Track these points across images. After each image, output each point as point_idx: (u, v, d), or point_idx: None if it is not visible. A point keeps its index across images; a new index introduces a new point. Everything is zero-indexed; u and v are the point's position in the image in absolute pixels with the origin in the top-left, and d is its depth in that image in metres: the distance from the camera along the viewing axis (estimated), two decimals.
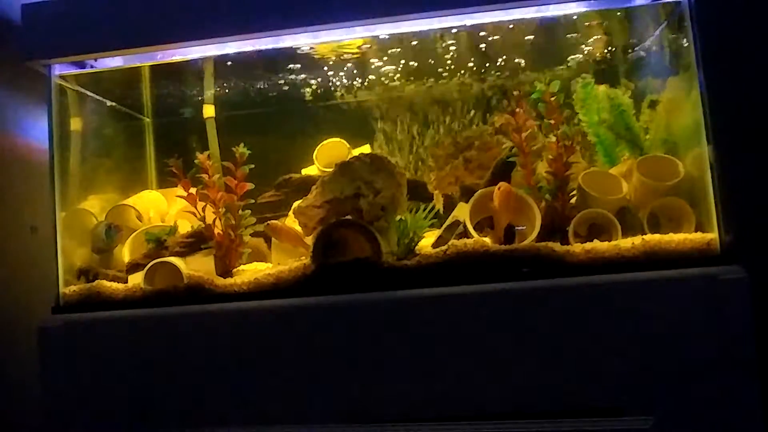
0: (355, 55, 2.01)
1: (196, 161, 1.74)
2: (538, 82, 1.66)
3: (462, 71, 2.20)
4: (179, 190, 1.75)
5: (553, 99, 1.65)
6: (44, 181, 1.74)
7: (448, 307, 1.45)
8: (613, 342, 1.38)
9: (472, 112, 2.26)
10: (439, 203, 1.78)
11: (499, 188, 1.60)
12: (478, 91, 2.26)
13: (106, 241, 1.81)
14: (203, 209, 1.73)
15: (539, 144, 1.70)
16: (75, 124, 1.93)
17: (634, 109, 1.81)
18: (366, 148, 2.22)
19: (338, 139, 2.12)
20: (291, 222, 1.80)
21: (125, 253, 1.82)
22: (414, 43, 1.93)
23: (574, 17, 1.83)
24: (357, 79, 2.22)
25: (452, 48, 2.03)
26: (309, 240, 1.66)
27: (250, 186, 1.74)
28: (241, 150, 1.72)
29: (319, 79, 2.20)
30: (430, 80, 2.25)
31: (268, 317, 1.51)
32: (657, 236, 1.49)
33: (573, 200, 1.65)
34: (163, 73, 2.05)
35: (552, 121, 1.64)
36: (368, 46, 1.94)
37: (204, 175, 1.73)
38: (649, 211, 1.60)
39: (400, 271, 1.53)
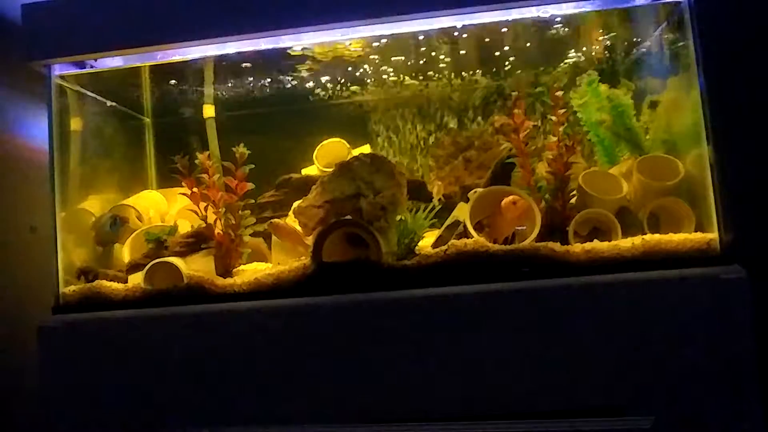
0: (356, 55, 2.01)
1: (196, 161, 1.74)
2: (544, 76, 1.66)
3: (460, 71, 2.20)
4: (179, 190, 1.75)
5: (558, 94, 1.64)
6: (44, 181, 1.74)
7: (448, 307, 1.45)
8: (613, 342, 1.38)
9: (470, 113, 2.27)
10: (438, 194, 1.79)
11: (514, 203, 1.57)
12: (477, 90, 2.26)
13: (110, 233, 1.81)
14: (205, 209, 1.73)
15: (538, 144, 1.71)
16: (75, 124, 1.93)
17: (635, 110, 1.81)
18: (366, 148, 2.22)
19: (338, 139, 2.12)
20: (291, 222, 1.80)
21: (125, 253, 1.82)
22: (414, 42, 1.93)
23: (575, 17, 1.83)
24: (357, 78, 2.22)
25: (451, 48, 2.03)
26: (309, 240, 1.66)
27: (250, 186, 1.74)
28: (241, 150, 1.72)
29: (320, 79, 2.20)
30: (429, 80, 2.25)
31: (268, 317, 1.51)
32: (657, 236, 1.50)
33: (573, 200, 1.65)
34: (163, 73, 2.05)
35: (555, 119, 1.64)
36: (368, 47, 1.94)
37: (204, 175, 1.73)
38: (649, 211, 1.60)
39: (400, 271, 1.53)
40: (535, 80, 2.15)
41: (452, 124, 2.29)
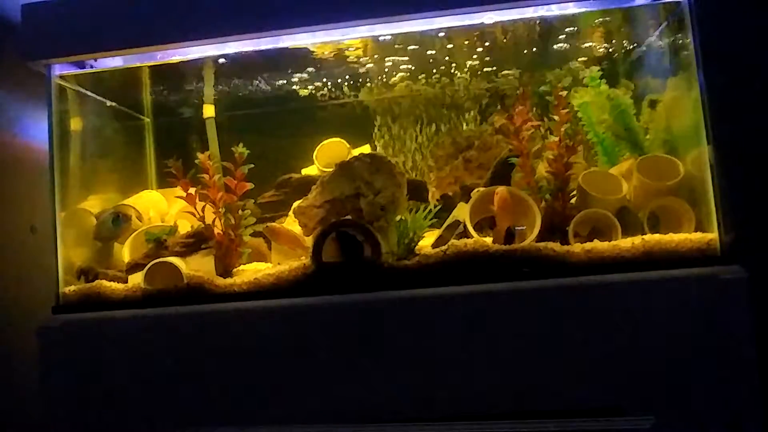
0: (355, 55, 2.01)
1: (196, 161, 1.74)
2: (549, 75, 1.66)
3: (460, 71, 2.20)
4: (179, 191, 1.75)
5: (562, 94, 1.64)
6: (44, 181, 1.74)
7: (448, 307, 1.45)
8: (613, 342, 1.38)
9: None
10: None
11: (496, 193, 1.60)
12: (478, 91, 2.26)
13: (112, 229, 1.80)
14: (203, 209, 1.73)
15: (538, 145, 1.71)
16: (75, 124, 1.93)
17: (635, 109, 1.81)
18: (366, 148, 2.22)
19: (338, 139, 2.12)
20: (291, 222, 1.80)
21: (125, 253, 1.82)
22: (414, 42, 1.93)
23: (575, 17, 1.83)
24: (357, 78, 2.22)
25: (451, 48, 2.03)
26: (309, 240, 1.66)
27: (250, 186, 1.74)
28: (241, 150, 1.72)
29: (320, 79, 2.20)
30: (429, 80, 2.25)
31: (268, 317, 1.51)
32: (657, 236, 1.49)
33: (573, 200, 1.65)
34: (163, 73, 2.05)
35: (557, 118, 1.64)
36: (368, 46, 1.94)
37: (204, 175, 1.73)
38: (649, 211, 1.60)
39: (400, 271, 1.53)
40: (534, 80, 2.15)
41: (451, 124, 2.29)
